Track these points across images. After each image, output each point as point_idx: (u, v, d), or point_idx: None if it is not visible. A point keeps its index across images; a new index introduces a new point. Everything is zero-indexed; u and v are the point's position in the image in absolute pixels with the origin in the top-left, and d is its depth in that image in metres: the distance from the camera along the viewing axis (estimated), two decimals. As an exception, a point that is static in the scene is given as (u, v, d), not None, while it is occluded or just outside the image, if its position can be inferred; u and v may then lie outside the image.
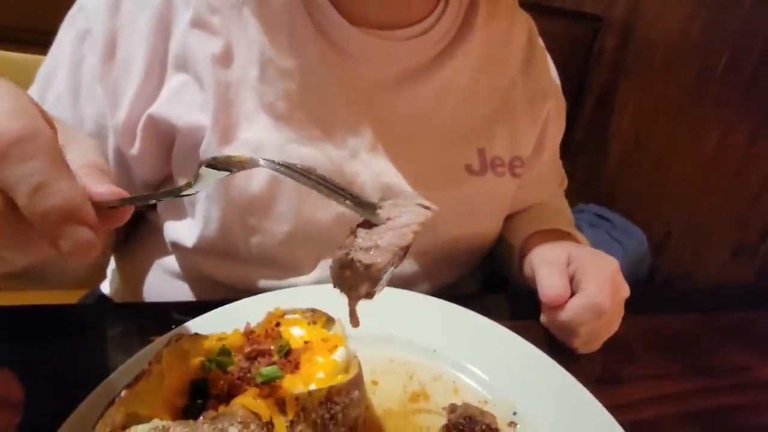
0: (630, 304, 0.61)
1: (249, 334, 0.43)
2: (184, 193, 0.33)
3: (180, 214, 0.67)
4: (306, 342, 0.43)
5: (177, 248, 0.67)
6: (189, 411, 0.37)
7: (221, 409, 0.35)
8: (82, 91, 0.60)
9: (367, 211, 0.37)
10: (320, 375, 0.40)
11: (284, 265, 0.66)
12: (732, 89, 1.64)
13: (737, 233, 1.62)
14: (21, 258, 0.31)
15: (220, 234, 0.63)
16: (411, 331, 0.56)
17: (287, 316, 0.46)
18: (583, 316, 0.57)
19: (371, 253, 0.35)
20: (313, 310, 0.48)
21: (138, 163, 0.62)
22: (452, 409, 0.47)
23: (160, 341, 0.47)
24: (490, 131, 0.72)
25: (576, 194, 1.72)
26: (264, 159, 0.33)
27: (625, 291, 0.61)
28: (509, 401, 0.50)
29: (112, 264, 0.81)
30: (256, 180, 0.60)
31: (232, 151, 0.58)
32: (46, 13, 0.72)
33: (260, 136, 0.60)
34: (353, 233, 0.37)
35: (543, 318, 0.62)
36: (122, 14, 0.58)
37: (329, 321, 0.48)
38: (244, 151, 0.59)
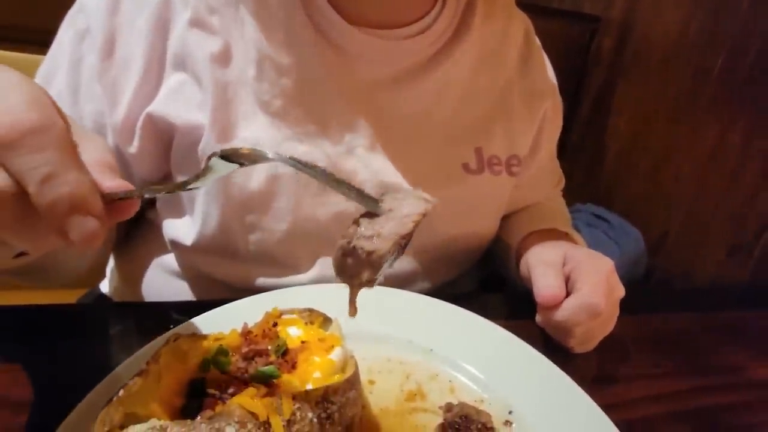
0: (625, 304, 0.61)
1: (246, 334, 0.43)
2: (191, 186, 0.33)
3: (179, 212, 0.67)
4: (303, 342, 0.43)
5: (176, 246, 0.68)
6: (187, 411, 0.37)
7: (218, 408, 0.35)
8: (81, 90, 0.60)
9: (369, 204, 0.37)
10: (317, 374, 0.40)
11: (283, 263, 0.66)
12: (729, 90, 1.64)
13: (733, 233, 1.62)
14: (27, 247, 0.32)
15: (219, 232, 0.63)
16: (407, 331, 0.56)
17: (284, 316, 0.47)
18: (578, 316, 0.57)
19: (373, 240, 0.36)
20: (311, 310, 0.48)
21: (137, 161, 0.63)
22: (448, 408, 0.47)
23: (158, 341, 0.47)
24: (488, 130, 0.73)
25: (573, 194, 1.73)
26: (273, 153, 0.33)
27: (620, 291, 0.61)
28: (505, 400, 0.50)
29: (111, 263, 0.82)
30: (256, 177, 0.61)
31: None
32: (45, 12, 0.72)
33: (258, 135, 0.60)
34: (356, 223, 0.37)
35: (538, 318, 0.62)
36: (121, 13, 0.58)
37: (326, 321, 0.48)
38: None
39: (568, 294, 0.60)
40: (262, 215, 0.62)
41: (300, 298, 0.50)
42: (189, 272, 0.70)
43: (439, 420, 0.46)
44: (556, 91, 0.83)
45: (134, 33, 0.58)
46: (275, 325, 0.45)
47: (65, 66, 0.60)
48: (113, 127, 0.60)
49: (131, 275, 0.75)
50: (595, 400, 0.49)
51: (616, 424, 0.46)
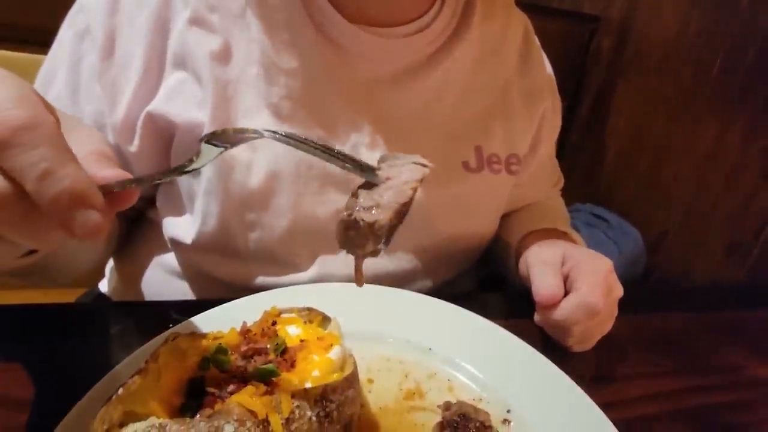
0: (624, 303, 0.61)
1: (245, 332, 0.43)
2: (187, 169, 0.34)
3: (179, 210, 0.67)
4: (302, 340, 0.43)
5: (176, 245, 0.68)
6: (186, 409, 0.37)
7: (218, 407, 0.35)
8: (81, 90, 0.60)
9: (366, 173, 0.37)
10: (316, 373, 0.40)
11: (282, 261, 0.66)
12: (727, 90, 1.65)
13: (732, 232, 1.62)
14: (32, 244, 0.32)
15: (218, 230, 0.63)
16: (406, 330, 0.56)
17: (283, 315, 0.47)
18: (576, 316, 0.57)
19: (373, 211, 0.36)
20: (310, 309, 0.48)
21: (137, 160, 0.63)
22: (447, 406, 0.47)
23: (157, 340, 0.47)
24: (487, 129, 0.73)
25: (573, 194, 1.73)
26: (266, 130, 0.34)
27: (619, 291, 0.61)
28: (503, 399, 0.50)
29: (110, 262, 0.82)
30: (255, 175, 0.61)
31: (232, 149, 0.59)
32: (46, 12, 0.72)
33: None
34: (354, 195, 0.37)
35: (537, 317, 0.62)
36: (121, 13, 0.58)
37: (325, 320, 0.48)
38: (244, 147, 0.59)
39: (566, 293, 0.60)
40: (262, 213, 0.62)
41: (299, 297, 0.50)
42: (189, 271, 0.70)
43: (438, 419, 0.47)
44: (555, 91, 0.83)
45: (134, 32, 0.58)
46: (274, 323, 0.45)
47: (65, 66, 0.60)
48: (113, 126, 0.60)
49: (131, 274, 0.75)
50: (594, 399, 0.49)
51: (615, 423, 0.46)
